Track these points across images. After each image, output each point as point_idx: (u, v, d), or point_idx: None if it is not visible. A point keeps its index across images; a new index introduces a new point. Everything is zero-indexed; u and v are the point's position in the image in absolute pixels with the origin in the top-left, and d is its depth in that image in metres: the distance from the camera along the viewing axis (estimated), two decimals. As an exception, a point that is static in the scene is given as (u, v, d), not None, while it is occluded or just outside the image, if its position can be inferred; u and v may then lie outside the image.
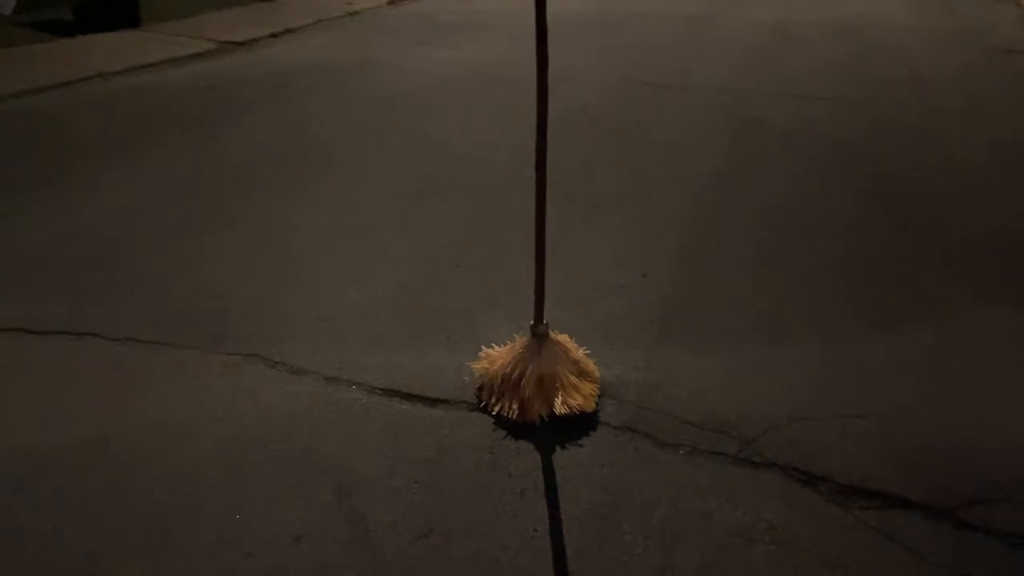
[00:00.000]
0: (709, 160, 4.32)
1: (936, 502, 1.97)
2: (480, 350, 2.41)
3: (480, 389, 2.31)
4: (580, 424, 2.19)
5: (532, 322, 2.28)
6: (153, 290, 2.91)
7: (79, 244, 3.27)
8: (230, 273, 3.05)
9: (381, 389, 2.35)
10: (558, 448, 2.12)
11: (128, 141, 4.57)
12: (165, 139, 4.60)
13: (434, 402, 2.30)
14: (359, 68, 6.31)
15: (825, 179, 4.07)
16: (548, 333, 2.29)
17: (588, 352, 2.40)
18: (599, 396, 2.30)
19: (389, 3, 9.42)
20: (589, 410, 2.21)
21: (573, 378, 2.24)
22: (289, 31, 7.79)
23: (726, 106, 5.32)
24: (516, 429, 2.17)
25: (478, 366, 2.35)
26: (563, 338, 2.38)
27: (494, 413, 2.22)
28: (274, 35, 7.60)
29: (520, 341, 2.32)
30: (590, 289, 2.95)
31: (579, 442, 2.14)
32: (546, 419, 2.17)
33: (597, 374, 2.34)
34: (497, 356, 2.33)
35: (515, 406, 2.19)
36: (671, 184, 3.98)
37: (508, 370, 2.24)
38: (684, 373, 2.45)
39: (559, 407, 2.16)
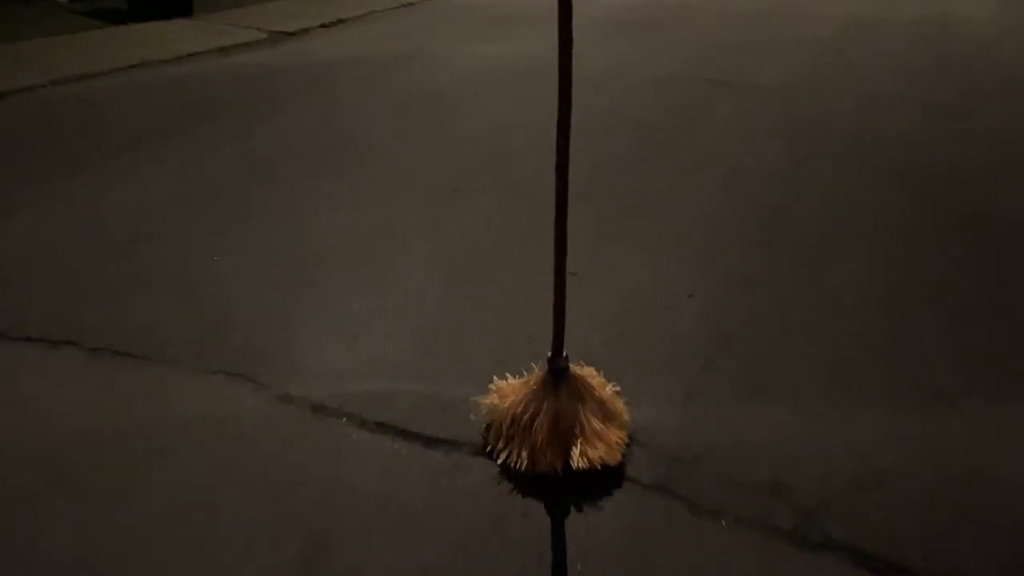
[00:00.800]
0: (767, 165, 3.88)
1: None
2: (492, 381, 2.07)
3: (487, 429, 1.97)
4: (602, 480, 1.83)
5: (550, 353, 1.93)
6: (147, 294, 2.67)
7: (85, 240, 3.05)
8: (233, 277, 2.78)
9: (375, 423, 2.03)
10: (573, 510, 1.77)
11: (160, 132, 4.38)
12: (196, 131, 4.40)
13: (433, 442, 1.97)
14: (403, 60, 6.04)
15: (900, 191, 3.60)
16: (568, 367, 1.94)
17: (617, 389, 2.05)
18: (627, 444, 1.94)
19: (445, -6, 9.16)
20: (613, 463, 1.85)
21: (596, 423, 1.88)
22: (341, 21, 7.59)
23: (787, 106, 4.85)
24: (525, 483, 1.83)
25: (487, 401, 2.01)
26: (588, 372, 2.03)
27: (500, 461, 1.88)
28: (325, 25, 7.41)
29: (536, 375, 1.97)
30: (625, 311, 2.58)
31: (599, 503, 1.79)
32: (560, 473, 1.83)
33: (626, 417, 1.98)
34: (510, 391, 1.99)
35: (525, 454, 1.85)
36: (724, 191, 3.57)
37: (519, 410, 1.90)
38: (732, 420, 2.07)
39: (576, 460, 1.81)
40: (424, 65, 5.93)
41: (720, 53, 6.29)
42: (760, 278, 2.80)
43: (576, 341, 2.21)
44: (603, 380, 2.04)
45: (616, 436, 1.90)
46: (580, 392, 1.92)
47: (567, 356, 1.93)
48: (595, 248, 2.98)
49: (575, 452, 1.83)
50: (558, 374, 1.92)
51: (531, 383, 1.95)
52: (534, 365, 2.07)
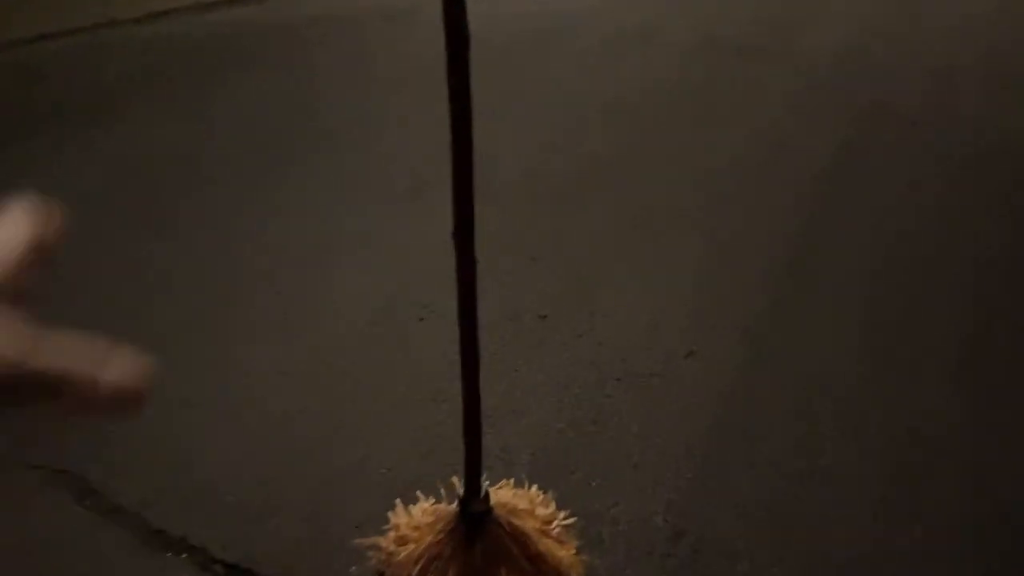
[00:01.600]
0: (811, 164, 3.17)
1: None
2: (395, 508, 1.48)
3: (377, 586, 1.39)
4: None
5: (462, 493, 1.33)
6: None
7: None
8: (120, 314, 2.21)
9: (225, 564, 1.46)
10: None
11: (106, 102, 3.89)
12: (141, 106, 3.89)
13: (299, 604, 1.40)
14: (398, 19, 5.34)
15: (980, 200, 2.88)
16: (490, 509, 1.33)
17: (569, 522, 1.44)
18: (577, 614, 1.34)
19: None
20: (549, 659, 1.26)
21: (527, 595, 1.29)
22: (337, -26, 6.90)
23: (839, 82, 4.09)
24: None
25: (382, 544, 1.42)
26: (527, 500, 1.42)
27: (383, 649, 1.30)
28: (318, -22, 6.72)
29: (448, 514, 1.37)
30: (599, 377, 1.94)
31: None
32: None
33: (576, 573, 1.38)
34: (411, 531, 1.40)
35: (417, 644, 1.26)
36: (752, 200, 2.88)
37: (416, 570, 1.31)
38: (738, 561, 1.45)
39: (488, 664, 1.22)
40: (424, 25, 5.23)
41: (761, 13, 5.46)
42: (787, 329, 2.15)
43: (528, 428, 1.63)
44: (549, 512, 1.43)
45: (556, 613, 1.30)
46: (505, 546, 1.32)
47: (487, 495, 1.33)
48: (576, 280, 2.35)
49: (490, 646, 1.24)
50: (473, 522, 1.31)
51: (439, 526, 1.36)
52: (456, 479, 1.46)
